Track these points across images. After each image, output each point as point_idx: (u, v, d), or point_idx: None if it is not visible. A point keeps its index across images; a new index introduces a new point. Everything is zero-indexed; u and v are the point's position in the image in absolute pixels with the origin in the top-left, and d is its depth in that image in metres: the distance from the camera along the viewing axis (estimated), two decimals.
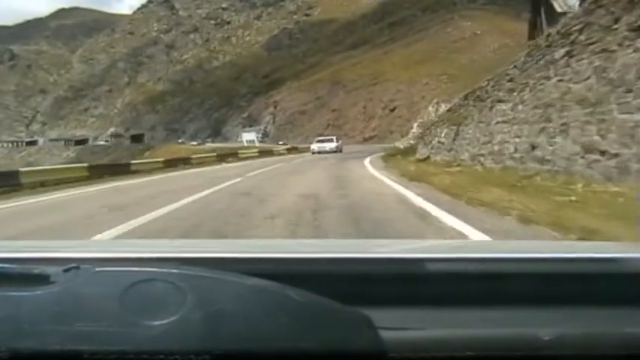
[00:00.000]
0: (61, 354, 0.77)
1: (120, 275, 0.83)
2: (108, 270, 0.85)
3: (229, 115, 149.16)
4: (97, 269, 0.84)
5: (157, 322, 0.77)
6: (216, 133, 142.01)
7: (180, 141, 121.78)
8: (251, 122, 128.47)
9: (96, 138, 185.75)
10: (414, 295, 0.95)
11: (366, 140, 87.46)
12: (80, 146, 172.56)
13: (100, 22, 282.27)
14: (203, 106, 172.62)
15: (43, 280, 0.83)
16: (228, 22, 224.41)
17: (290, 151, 56.33)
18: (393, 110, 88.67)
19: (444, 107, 72.67)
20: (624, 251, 1.28)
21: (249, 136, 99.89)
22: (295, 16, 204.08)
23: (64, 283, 0.82)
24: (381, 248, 1.58)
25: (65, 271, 0.84)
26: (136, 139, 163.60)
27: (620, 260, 1.06)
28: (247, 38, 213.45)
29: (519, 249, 1.62)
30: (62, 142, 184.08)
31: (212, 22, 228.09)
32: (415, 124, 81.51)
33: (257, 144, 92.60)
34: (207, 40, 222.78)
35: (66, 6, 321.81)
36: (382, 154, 36.75)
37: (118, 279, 0.82)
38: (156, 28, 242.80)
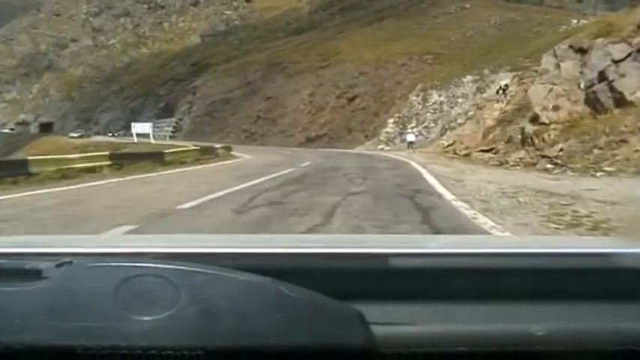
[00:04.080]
0: (53, 349, 0.74)
1: (113, 270, 0.79)
2: (101, 265, 0.81)
3: (146, 105, 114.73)
4: (90, 264, 0.80)
5: (150, 318, 0.74)
6: (129, 125, 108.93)
7: (72, 135, 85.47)
8: (167, 113, 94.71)
9: (4, 125, 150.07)
10: (407, 291, 0.91)
11: (310, 141, 53.93)
12: None
13: (28, 2, 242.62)
14: (121, 94, 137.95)
15: (35, 275, 0.79)
16: (163, 7, 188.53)
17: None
18: (352, 100, 55.29)
19: (436, 96, 39.32)
20: (616, 246, 1.27)
21: (141, 129, 65.05)
22: (235, 2, 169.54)
23: (57, 278, 0.78)
24: (374, 243, 1.54)
25: (58, 266, 0.80)
26: (45, 127, 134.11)
27: (612, 255, 1.01)
28: (181, 24, 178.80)
29: (511, 244, 1.60)
30: None
31: (145, 6, 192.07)
32: (391, 120, 47.89)
33: (152, 140, 58.41)
34: (138, 25, 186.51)
35: None
36: None
37: (111, 274, 0.78)
38: (85, 11, 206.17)
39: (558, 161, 17.76)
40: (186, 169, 19.16)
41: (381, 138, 45.73)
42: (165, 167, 18.95)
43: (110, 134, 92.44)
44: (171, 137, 79.58)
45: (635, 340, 0.86)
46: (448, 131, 38.81)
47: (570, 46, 21.46)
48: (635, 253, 1.04)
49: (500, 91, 37.35)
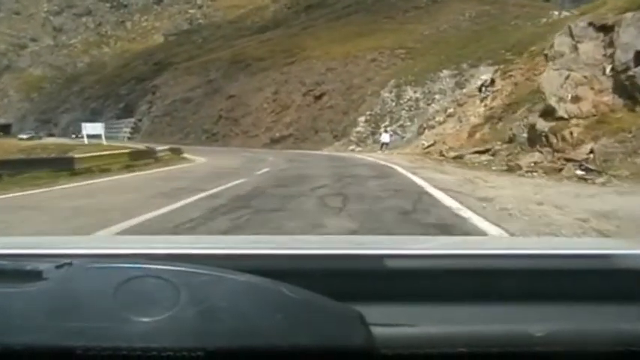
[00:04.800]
0: (53, 350, 0.73)
1: (113, 271, 0.78)
2: (101, 266, 0.79)
3: (106, 106, 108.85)
4: (89, 265, 0.79)
5: (150, 319, 0.72)
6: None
7: (21, 136, 78.67)
8: (127, 113, 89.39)
9: None
10: (407, 292, 0.90)
11: (275, 142, 49.23)
12: None
13: None
14: (82, 94, 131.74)
15: (35, 276, 0.78)
16: (125, 6, 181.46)
17: None
18: (319, 97, 50.61)
19: (411, 92, 35.07)
20: (616, 248, 1.25)
21: (92, 130, 58.95)
22: (199, 1, 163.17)
23: (57, 280, 0.76)
24: (374, 245, 1.50)
25: (58, 267, 0.78)
26: (3, 129, 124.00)
27: (612, 257, 0.99)
28: (144, 24, 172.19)
29: (511, 245, 1.57)
30: None
31: (107, 4, 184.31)
32: (362, 119, 42.29)
33: (104, 142, 52.90)
34: (100, 24, 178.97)
35: None
36: None
37: (111, 275, 0.76)
38: (45, 9, 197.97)
39: (591, 166, 13.33)
40: (104, 179, 14.27)
41: (352, 138, 41.11)
42: (72, 178, 14.01)
43: (74, 135, 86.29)
44: (129, 139, 74.35)
45: (634, 341, 0.85)
46: (427, 130, 34.44)
47: (590, 24, 17.03)
48: (634, 255, 1.04)
49: (483, 87, 33.09)
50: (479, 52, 43.46)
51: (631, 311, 0.86)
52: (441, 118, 34.99)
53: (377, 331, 0.79)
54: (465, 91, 37.73)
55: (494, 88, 32.33)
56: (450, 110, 35.26)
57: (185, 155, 29.57)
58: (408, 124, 38.48)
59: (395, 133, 37.83)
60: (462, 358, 0.83)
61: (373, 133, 39.07)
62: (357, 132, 40.83)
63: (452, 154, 23.66)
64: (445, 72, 41.59)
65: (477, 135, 26.98)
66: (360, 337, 0.77)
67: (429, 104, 39.20)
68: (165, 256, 0.92)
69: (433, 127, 34.18)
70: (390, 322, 0.83)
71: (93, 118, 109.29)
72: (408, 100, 40.70)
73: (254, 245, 1.31)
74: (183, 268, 0.77)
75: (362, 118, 41.98)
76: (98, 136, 55.21)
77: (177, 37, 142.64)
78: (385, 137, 36.75)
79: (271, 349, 0.74)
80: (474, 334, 0.84)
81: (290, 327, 0.75)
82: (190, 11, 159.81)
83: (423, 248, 1.29)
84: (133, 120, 79.41)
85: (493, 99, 30.82)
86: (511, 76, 31.56)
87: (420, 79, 42.75)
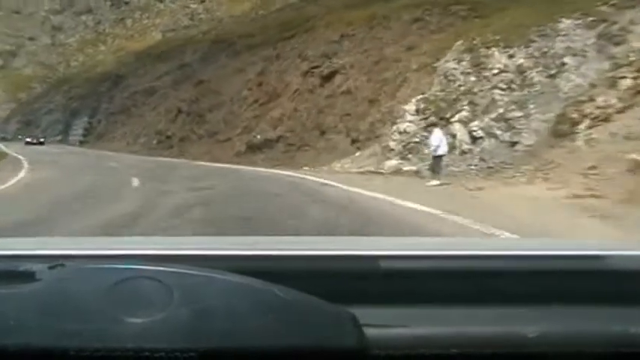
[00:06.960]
0: (46, 351, 0.70)
1: (106, 272, 0.75)
2: (94, 267, 0.77)
3: (85, 105, 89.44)
4: (82, 266, 0.77)
5: (143, 320, 0.70)
6: (67, 128, 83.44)
7: None
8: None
9: None
10: (400, 293, 0.87)
11: (254, 150, 26.74)
12: None
13: None
14: (69, 94, 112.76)
15: (28, 277, 0.76)
16: (127, 3, 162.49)
17: None
18: (329, 78, 28.45)
19: (503, 58, 11.27)
20: (609, 248, 1.19)
21: None
22: None
23: (50, 280, 0.74)
24: (367, 245, 1.47)
25: (51, 268, 0.76)
26: None
27: (605, 258, 0.96)
28: (145, 21, 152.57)
29: (504, 246, 1.53)
30: None
31: (108, 2, 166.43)
32: (410, 108, 19.44)
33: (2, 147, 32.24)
34: (99, 23, 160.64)
35: None
36: None
37: (104, 276, 0.74)
38: (46, 8, 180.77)
39: None
40: None
41: (390, 144, 19.70)
42: None
43: (28, 139, 65.75)
44: (81, 143, 54.49)
45: (626, 342, 0.82)
46: (585, 126, 13.03)
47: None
48: (627, 256, 1.01)
49: None
50: None
51: (623, 312, 0.83)
52: (613, 100, 13.63)
53: (370, 332, 0.76)
54: (637, 45, 16.40)
55: None
56: (627, 82, 13.94)
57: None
58: (518, 114, 17.16)
59: (488, 133, 16.60)
60: (455, 359, 0.81)
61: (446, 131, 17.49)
62: (402, 132, 19.42)
63: None
64: (567, 22, 20.11)
65: None
66: (353, 338, 0.74)
67: (552, 76, 17.86)
68: (158, 257, 0.88)
69: (605, 119, 12.75)
70: (383, 323, 0.80)
71: (71, 120, 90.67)
72: (502, 70, 19.34)
73: (247, 246, 1.26)
74: (176, 269, 0.74)
75: (409, 107, 20.56)
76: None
77: (176, 33, 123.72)
78: (435, 138, 15.48)
79: (264, 349, 0.72)
80: (467, 335, 0.81)
81: (282, 328, 0.72)
82: (192, 6, 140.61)
83: (416, 249, 1.24)
84: (86, 120, 59.26)
85: None
86: None
87: (515, 37, 21.35)
